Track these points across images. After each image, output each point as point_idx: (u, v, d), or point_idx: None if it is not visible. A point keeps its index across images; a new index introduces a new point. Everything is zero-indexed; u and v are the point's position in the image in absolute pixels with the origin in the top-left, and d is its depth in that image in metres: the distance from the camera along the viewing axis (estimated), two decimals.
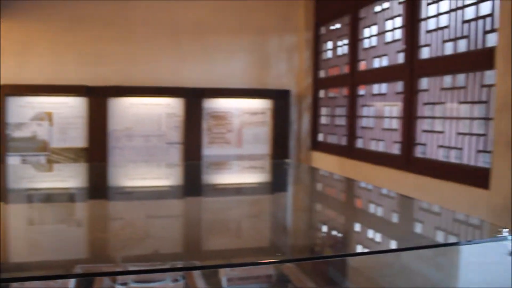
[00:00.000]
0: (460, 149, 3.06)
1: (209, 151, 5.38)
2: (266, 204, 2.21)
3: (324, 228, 1.69)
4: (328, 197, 2.37)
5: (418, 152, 3.50)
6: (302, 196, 2.36)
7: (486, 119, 2.84)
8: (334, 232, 1.64)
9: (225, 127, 5.46)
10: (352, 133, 4.56)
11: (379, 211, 1.96)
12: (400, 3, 3.77)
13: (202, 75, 5.36)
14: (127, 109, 5.17)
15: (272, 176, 3.22)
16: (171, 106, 5.29)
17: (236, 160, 5.33)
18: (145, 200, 2.16)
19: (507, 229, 1.40)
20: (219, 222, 1.69)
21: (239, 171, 3.54)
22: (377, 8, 4.17)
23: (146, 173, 3.18)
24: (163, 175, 3.11)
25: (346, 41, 4.77)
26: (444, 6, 3.24)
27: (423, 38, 3.46)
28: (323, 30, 5.36)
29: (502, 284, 1.32)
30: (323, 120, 5.37)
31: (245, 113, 5.51)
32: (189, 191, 2.47)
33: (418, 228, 1.72)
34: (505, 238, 1.37)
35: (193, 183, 2.75)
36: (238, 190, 2.57)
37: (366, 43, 4.38)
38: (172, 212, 1.94)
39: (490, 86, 2.80)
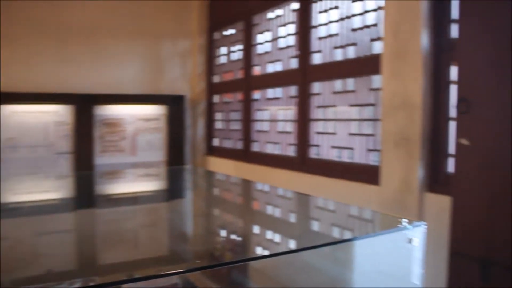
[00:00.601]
0: (352, 149, 3.24)
1: (101, 160, 5.10)
2: (163, 212, 2.13)
3: (225, 233, 1.67)
4: (226, 201, 2.35)
5: (313, 153, 3.64)
6: (200, 202, 2.32)
7: (374, 120, 3.05)
8: (234, 236, 1.62)
9: (118, 135, 5.22)
10: (247, 137, 4.63)
11: (278, 212, 1.99)
12: (293, 10, 3.92)
13: (92, 81, 5.07)
14: (8, 118, 4.70)
15: (168, 182, 3.13)
16: (59, 113, 4.91)
17: (131, 168, 5.11)
18: (33, 216, 1.96)
19: (406, 220, 1.48)
20: (115, 234, 1.58)
21: (133, 179, 3.38)
22: (271, 15, 4.29)
23: (33, 186, 2.90)
24: (52, 188, 2.86)
25: (240, 47, 4.83)
26: (334, 15, 3.42)
27: (315, 44, 3.62)
28: (216, 35, 5.39)
29: (406, 268, 1.42)
30: (218, 125, 5.38)
31: (139, 119, 5.32)
32: (81, 203, 2.29)
33: (316, 225, 1.77)
34: (405, 228, 1.45)
35: (85, 195, 2.56)
36: (133, 199, 2.45)
37: (260, 49, 4.48)
38: (64, 226, 1.77)
39: (377, 89, 3.01)
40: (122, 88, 5.20)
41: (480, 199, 2.11)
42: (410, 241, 1.44)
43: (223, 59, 5.28)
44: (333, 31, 3.43)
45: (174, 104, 5.41)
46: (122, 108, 5.23)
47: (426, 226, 1.47)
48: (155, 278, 1.08)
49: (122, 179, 3.41)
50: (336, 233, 1.67)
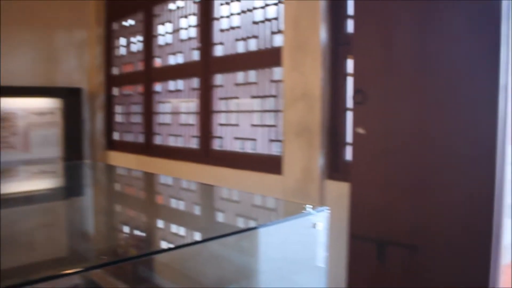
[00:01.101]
0: (255, 140, 3.26)
1: None
2: (61, 210, 1.98)
3: (128, 229, 1.60)
4: (128, 196, 2.26)
5: (216, 145, 3.61)
6: (100, 198, 2.20)
7: (276, 111, 3.09)
8: (138, 231, 1.56)
9: (8, 130, 4.76)
10: (149, 130, 4.47)
11: (182, 204, 1.95)
12: (194, 2, 3.84)
13: None
14: None
15: (65, 179, 2.92)
16: None
17: (24, 166, 4.70)
18: None
19: (311, 206, 1.51)
20: (8, 238, 1.43)
21: (27, 177, 3.11)
22: (172, 6, 4.17)
23: None
24: None
25: (140, 38, 4.65)
26: (235, 8, 3.41)
27: (216, 36, 3.59)
28: (115, 25, 5.13)
29: (312, 252, 1.44)
30: (119, 118, 5.14)
31: (32, 113, 4.90)
32: None
33: (224, 216, 1.76)
34: (310, 213, 1.48)
35: None
36: (27, 198, 2.24)
37: (161, 40, 4.35)
38: None
39: (278, 81, 3.05)
40: (12, 80, 4.74)
41: (375, 184, 2.21)
42: (314, 225, 1.47)
43: (122, 51, 5.04)
44: (235, 24, 3.42)
45: (71, 97, 5.06)
46: (13, 101, 4.78)
47: (329, 211, 1.51)
48: (54, 279, 0.99)
49: (14, 177, 3.13)
50: (242, 223, 1.66)
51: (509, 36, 1.85)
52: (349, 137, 2.61)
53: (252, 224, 1.69)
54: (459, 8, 1.93)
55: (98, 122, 5.24)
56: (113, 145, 5.20)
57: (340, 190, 2.54)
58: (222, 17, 3.54)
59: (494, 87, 1.84)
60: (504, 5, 1.83)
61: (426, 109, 2.02)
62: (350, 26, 2.63)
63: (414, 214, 2.08)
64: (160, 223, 1.70)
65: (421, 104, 2.03)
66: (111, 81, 5.20)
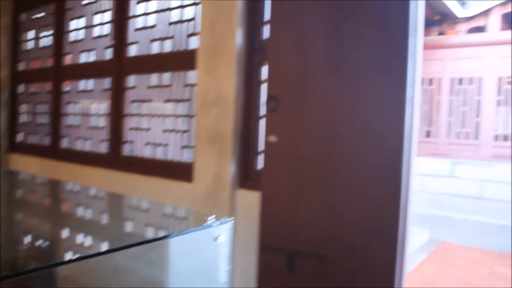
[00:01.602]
0: (166, 145, 3.10)
1: None
2: None
3: (29, 239, 1.42)
4: (31, 204, 2.02)
5: (126, 150, 3.40)
6: None
7: (189, 116, 2.95)
8: (39, 242, 1.40)
9: None
10: (56, 132, 4.14)
11: (89, 213, 1.78)
12: None
13: None
14: None
15: None
16: None
17: None
18: None
19: (212, 216, 1.41)
20: None
21: None
22: (86, 0, 3.90)
23: None
24: None
25: (50, 32, 4.31)
26: (152, 6, 3.23)
27: (131, 35, 3.38)
28: (23, 17, 4.72)
29: (215, 266, 1.34)
30: (24, 118, 4.72)
31: None
32: None
33: (129, 226, 1.62)
34: (210, 225, 1.38)
35: None
36: None
37: (73, 36, 4.05)
38: None
39: (192, 85, 2.91)
40: None
41: (285, 193, 2.14)
42: (216, 238, 1.37)
43: (30, 44, 4.65)
44: (150, 23, 3.24)
45: None
46: None
47: (232, 222, 1.41)
48: None
49: None
50: (144, 233, 1.53)
51: (416, 49, 1.86)
52: (262, 145, 2.53)
53: (153, 235, 1.55)
54: (370, 18, 1.92)
55: (1, 122, 4.78)
56: (16, 147, 4.77)
57: (252, 199, 2.44)
58: (137, 15, 3.35)
59: (401, 98, 1.83)
60: (412, 18, 1.83)
61: (337, 118, 1.98)
62: (267, 31, 2.56)
63: (323, 224, 2.03)
64: (64, 233, 1.53)
65: (333, 112, 1.99)
66: (17, 77, 4.78)
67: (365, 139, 1.93)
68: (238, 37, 2.55)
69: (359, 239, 1.95)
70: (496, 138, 6.77)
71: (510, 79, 6.76)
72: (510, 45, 6.48)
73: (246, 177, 2.59)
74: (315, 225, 2.05)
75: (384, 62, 1.88)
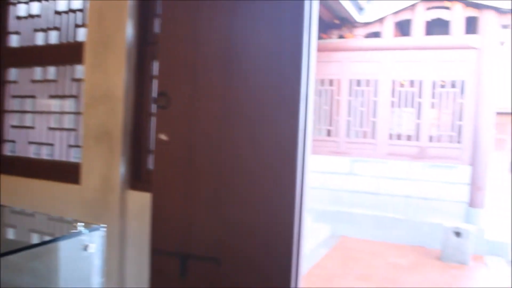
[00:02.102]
0: (52, 145, 2.86)
1: None
2: None
3: None
4: None
5: (7, 150, 3.09)
6: None
7: (76, 113, 2.75)
8: None
9: None
10: None
11: None
12: None
13: None
14: None
15: None
16: None
17: None
18: None
19: (83, 223, 1.28)
20: None
21: None
22: None
23: None
24: None
25: None
26: None
27: (12, 24, 3.08)
28: None
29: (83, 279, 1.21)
30: None
31: None
32: None
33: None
34: (80, 233, 1.25)
35: None
36: None
37: None
38: None
39: (79, 80, 2.72)
40: None
41: (177, 195, 2.06)
42: (86, 247, 1.24)
43: None
44: (34, 12, 2.97)
45: None
46: None
47: (105, 230, 1.29)
48: None
49: None
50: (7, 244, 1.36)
51: (310, 48, 1.86)
52: (153, 144, 2.42)
53: (17, 244, 1.38)
54: (264, 16, 1.90)
55: None
56: None
57: (143, 201, 2.32)
58: (19, 2, 3.06)
59: (296, 96, 1.83)
60: (306, 18, 1.84)
61: (230, 116, 1.93)
62: (159, 24, 2.45)
63: (215, 226, 1.97)
64: None
65: (226, 110, 1.94)
66: None
67: (259, 138, 1.90)
68: (129, 30, 2.41)
69: (254, 240, 1.92)
70: (391, 137, 7.20)
71: (403, 82, 7.23)
72: (402, 51, 6.92)
73: (137, 177, 2.47)
74: (209, 227, 2.00)
75: (278, 60, 1.87)
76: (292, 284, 1.91)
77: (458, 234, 5.79)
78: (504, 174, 17.04)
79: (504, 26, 6.37)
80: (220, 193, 1.97)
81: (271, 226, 1.90)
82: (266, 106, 1.89)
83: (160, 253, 2.15)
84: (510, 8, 6.17)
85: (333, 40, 7.42)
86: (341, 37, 7.48)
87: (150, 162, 2.46)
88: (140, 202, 2.36)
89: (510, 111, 18.10)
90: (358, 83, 7.32)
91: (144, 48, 2.47)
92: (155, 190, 2.14)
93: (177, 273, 2.09)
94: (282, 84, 1.87)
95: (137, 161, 2.47)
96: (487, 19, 6.41)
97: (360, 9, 6.92)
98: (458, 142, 6.72)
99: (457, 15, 6.61)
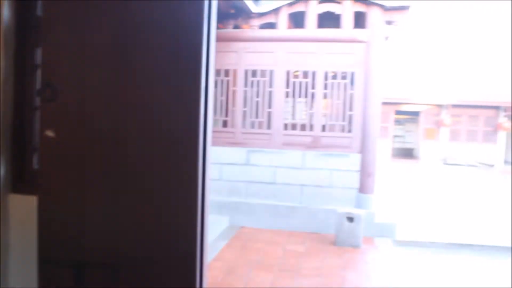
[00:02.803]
0: None
1: None
2: None
3: None
4: None
5: None
6: None
7: None
8: None
9: None
10: None
11: None
12: None
13: None
14: None
15: None
16: None
17: None
18: None
19: None
20: None
21: None
22: None
23: None
24: None
25: None
26: None
27: None
28: None
29: None
30: None
31: None
32: None
33: None
34: None
35: None
36: None
37: None
38: None
39: None
40: None
41: (67, 197, 1.85)
42: None
43: None
44: None
45: None
46: None
47: None
48: None
49: None
50: None
51: (210, 35, 1.78)
52: (39, 141, 2.17)
53: None
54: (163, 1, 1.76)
55: None
56: None
57: (28, 205, 2.07)
58: None
59: (196, 87, 1.73)
60: (206, 7, 1.75)
61: (125, 110, 1.77)
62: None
63: (112, 230, 1.81)
64: None
65: (120, 104, 1.77)
66: None
67: (158, 132, 1.77)
68: (6, 12, 2.12)
69: (155, 241, 1.80)
70: (286, 127, 7.39)
71: (296, 73, 7.44)
72: (296, 42, 7.11)
73: (21, 179, 2.20)
74: (104, 231, 1.83)
75: (177, 48, 1.75)
76: (197, 284, 1.83)
77: (350, 219, 6.13)
78: (387, 160, 18.50)
79: (388, 22, 6.83)
80: (116, 194, 1.82)
81: (172, 225, 1.79)
82: (164, 98, 1.77)
83: (50, 263, 1.93)
84: (394, 5, 6.62)
85: (229, 30, 7.40)
86: (237, 27, 7.47)
87: (36, 162, 2.21)
88: (25, 206, 2.11)
89: (393, 101, 19.68)
90: (254, 73, 7.38)
91: (25, 33, 2.19)
92: (42, 192, 1.92)
93: (72, 284, 1.90)
94: (181, 74, 1.76)
95: (20, 160, 2.20)
96: (373, 15, 6.83)
97: (255, 0, 6.96)
98: (349, 131, 7.11)
99: (346, 9, 6.94)
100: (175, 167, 1.78)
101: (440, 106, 21.44)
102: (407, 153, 24.45)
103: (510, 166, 21.29)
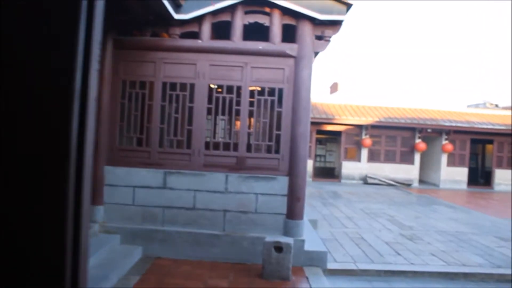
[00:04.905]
0: None
1: None
2: None
3: None
4: None
5: None
6: None
7: None
8: None
9: None
10: None
11: None
12: None
13: None
14: None
15: None
16: None
17: None
18: None
19: None
20: None
21: None
22: None
23: None
24: None
25: None
26: None
27: None
28: None
29: None
30: None
31: None
32: None
33: None
34: None
35: None
36: None
37: None
38: None
39: None
40: None
41: None
42: None
43: None
44: None
45: None
46: None
47: None
48: None
49: None
50: None
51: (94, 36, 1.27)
52: None
53: None
54: None
55: None
56: None
57: None
58: None
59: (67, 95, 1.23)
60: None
61: None
62: None
63: None
64: None
65: None
66: None
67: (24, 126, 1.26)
68: None
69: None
70: (208, 146, 6.92)
71: (218, 89, 7.02)
72: (220, 54, 6.70)
73: None
74: None
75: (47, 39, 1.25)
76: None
77: (279, 249, 5.75)
78: (308, 180, 18.55)
79: (318, 37, 6.64)
80: None
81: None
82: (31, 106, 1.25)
83: None
84: (324, 19, 6.44)
85: (146, 38, 6.82)
86: (155, 35, 6.92)
87: None
88: None
89: (314, 121, 19.92)
90: (173, 87, 6.86)
91: None
92: None
93: None
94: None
95: None
96: (303, 29, 6.60)
97: (177, 6, 6.46)
98: (277, 152, 6.78)
99: (275, 22, 6.67)
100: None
101: (360, 126, 22.07)
102: (328, 173, 24.89)
103: (424, 185, 22.36)
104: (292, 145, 6.66)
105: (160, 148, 6.84)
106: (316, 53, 6.87)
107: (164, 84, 6.81)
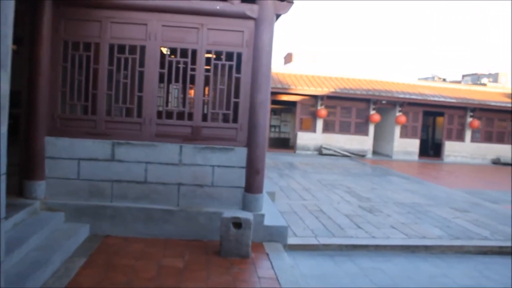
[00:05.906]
0: None
1: None
2: None
3: None
4: None
5: None
6: None
7: None
8: None
9: None
10: None
11: None
12: None
13: None
14: None
15: None
16: None
17: None
18: None
19: None
20: None
21: None
22: None
23: None
24: None
25: None
26: None
27: None
28: None
29: None
30: None
31: None
32: None
33: None
34: None
35: None
36: None
37: None
38: None
39: None
40: None
41: None
42: None
43: None
44: None
45: None
46: None
47: None
48: None
49: None
50: None
51: None
52: None
53: None
54: None
55: None
56: None
57: None
58: None
59: None
60: None
61: None
62: None
63: None
64: None
65: None
66: None
67: None
68: None
69: None
70: (160, 115, 6.44)
71: (173, 52, 6.50)
72: (174, 14, 6.16)
73: None
74: None
75: None
76: None
77: (237, 225, 5.42)
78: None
79: None
80: None
81: None
82: None
83: None
84: None
85: None
86: None
87: None
88: None
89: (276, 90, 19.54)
90: (122, 49, 6.28)
91: None
92: None
93: None
94: None
95: None
96: None
97: None
98: (235, 121, 6.38)
99: None
100: None
101: (315, 97, 21.92)
102: (283, 143, 24.77)
103: (378, 157, 22.67)
104: (251, 114, 6.27)
105: (107, 116, 6.29)
106: (278, 16, 6.43)
107: (111, 46, 6.21)
